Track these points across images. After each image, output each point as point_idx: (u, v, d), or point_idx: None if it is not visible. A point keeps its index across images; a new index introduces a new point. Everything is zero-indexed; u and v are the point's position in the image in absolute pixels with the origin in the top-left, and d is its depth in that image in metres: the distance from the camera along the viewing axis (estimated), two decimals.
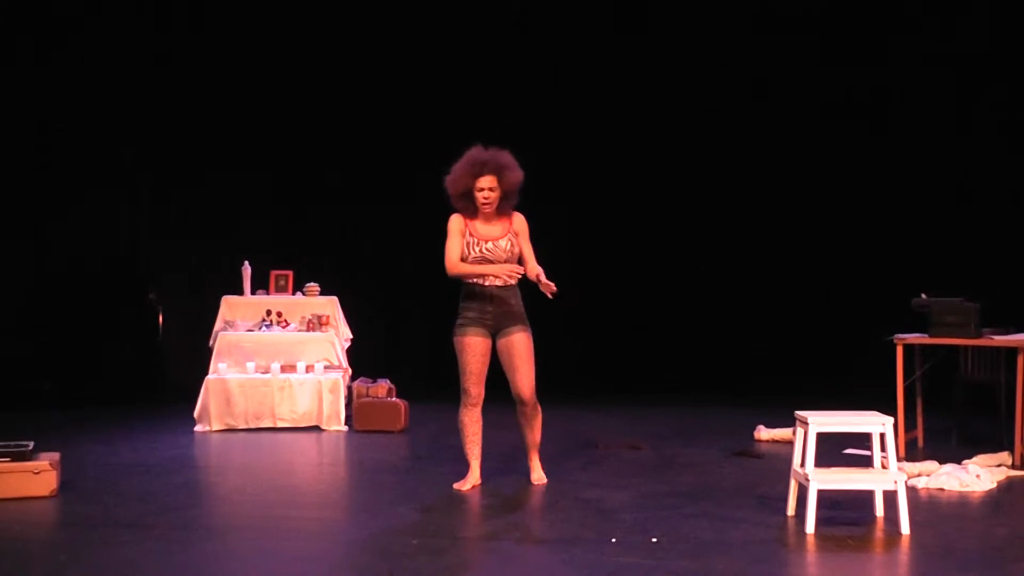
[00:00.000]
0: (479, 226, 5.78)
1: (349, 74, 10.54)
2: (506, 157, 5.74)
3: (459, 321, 5.81)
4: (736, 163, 10.55)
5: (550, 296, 5.58)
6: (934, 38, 9.74)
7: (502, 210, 5.80)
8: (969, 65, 9.64)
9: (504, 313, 5.75)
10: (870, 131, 10.15)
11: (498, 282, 5.74)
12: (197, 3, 10.38)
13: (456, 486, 5.92)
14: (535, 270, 5.69)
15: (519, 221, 5.84)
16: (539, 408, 5.92)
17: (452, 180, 5.77)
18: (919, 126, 9.88)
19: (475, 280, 5.75)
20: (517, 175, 5.77)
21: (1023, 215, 9.39)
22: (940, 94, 9.81)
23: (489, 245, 5.73)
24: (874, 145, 10.14)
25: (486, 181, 5.69)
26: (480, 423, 5.88)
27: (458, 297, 5.89)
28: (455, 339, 5.81)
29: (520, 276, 5.73)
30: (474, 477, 5.94)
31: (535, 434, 5.97)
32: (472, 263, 5.73)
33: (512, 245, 5.76)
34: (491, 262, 5.73)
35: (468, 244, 5.74)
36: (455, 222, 5.80)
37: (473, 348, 5.74)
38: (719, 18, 10.36)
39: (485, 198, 5.71)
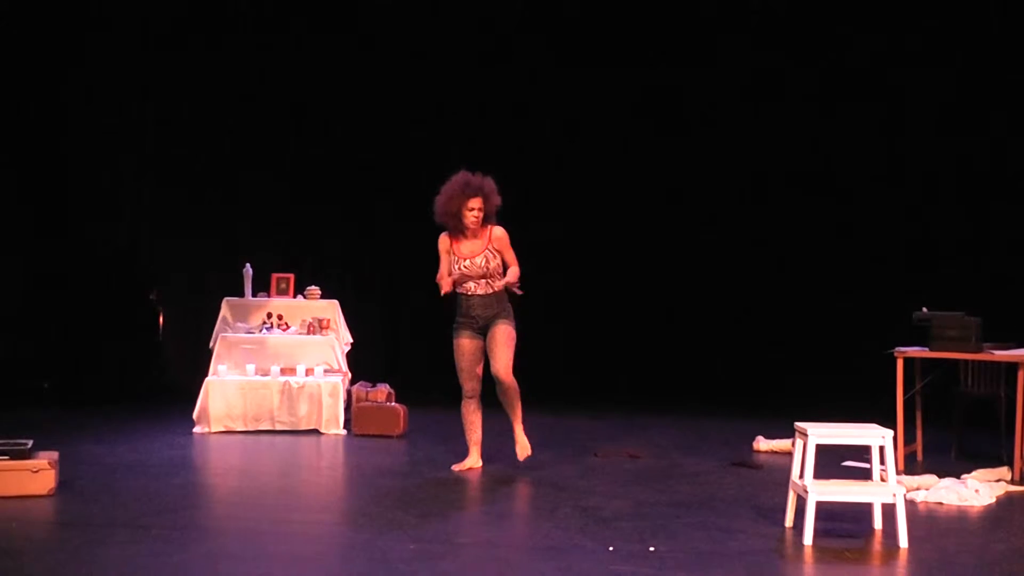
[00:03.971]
0: (461, 245, 6.44)
1: (354, 80, 10.53)
2: (492, 183, 6.43)
3: (454, 325, 6.55)
4: (732, 172, 10.51)
5: (517, 292, 6.37)
6: (938, 36, 9.69)
7: (483, 227, 6.45)
8: (978, 69, 9.60)
9: (489, 316, 6.43)
10: (870, 141, 10.14)
11: (479, 291, 6.39)
12: (201, 2, 10.40)
13: (455, 467, 6.58)
14: (508, 280, 6.35)
15: (497, 235, 6.46)
16: (516, 387, 6.46)
17: (445, 200, 6.39)
18: (921, 133, 9.87)
19: (461, 290, 6.42)
20: (498, 200, 6.47)
21: None
22: (938, 103, 9.79)
23: (467, 263, 6.40)
24: (875, 156, 10.13)
25: (476, 202, 6.35)
26: (478, 413, 6.57)
27: (454, 303, 6.53)
28: (453, 340, 6.52)
29: (511, 284, 6.36)
30: (472, 460, 6.58)
31: (515, 410, 6.52)
32: (456, 279, 6.37)
33: (487, 261, 6.40)
34: (470, 278, 6.39)
35: (452, 261, 6.41)
36: (442, 242, 6.49)
37: (462, 349, 6.49)
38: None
39: (475, 217, 6.36)
